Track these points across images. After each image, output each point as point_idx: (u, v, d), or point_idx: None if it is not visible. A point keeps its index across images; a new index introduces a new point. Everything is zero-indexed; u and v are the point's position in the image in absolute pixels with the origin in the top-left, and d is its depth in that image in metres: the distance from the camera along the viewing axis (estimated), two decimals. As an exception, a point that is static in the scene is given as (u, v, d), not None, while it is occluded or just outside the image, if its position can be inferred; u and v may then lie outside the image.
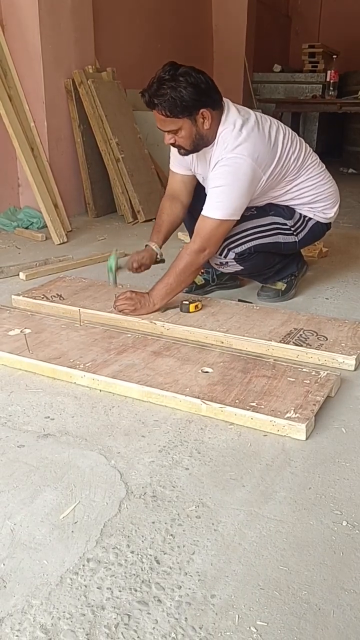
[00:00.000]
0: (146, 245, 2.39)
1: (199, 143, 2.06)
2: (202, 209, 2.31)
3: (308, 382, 1.66)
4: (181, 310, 2.17)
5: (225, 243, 2.19)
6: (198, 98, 1.94)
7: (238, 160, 2.00)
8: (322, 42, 7.35)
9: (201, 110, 1.97)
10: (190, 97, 1.92)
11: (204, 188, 2.35)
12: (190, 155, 2.19)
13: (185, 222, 2.46)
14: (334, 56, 7.00)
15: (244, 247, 2.20)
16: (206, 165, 2.14)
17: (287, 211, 2.29)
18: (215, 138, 2.05)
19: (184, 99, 1.92)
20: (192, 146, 2.06)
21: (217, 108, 2.03)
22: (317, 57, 7.03)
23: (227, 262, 2.25)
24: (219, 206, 2.02)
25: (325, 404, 1.60)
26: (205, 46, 6.46)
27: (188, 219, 2.45)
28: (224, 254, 2.22)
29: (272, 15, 7.70)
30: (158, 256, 2.38)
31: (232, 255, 2.21)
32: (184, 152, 2.10)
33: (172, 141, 2.06)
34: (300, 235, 2.32)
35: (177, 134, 2.02)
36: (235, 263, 2.25)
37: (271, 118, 2.19)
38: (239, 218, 2.08)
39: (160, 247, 2.39)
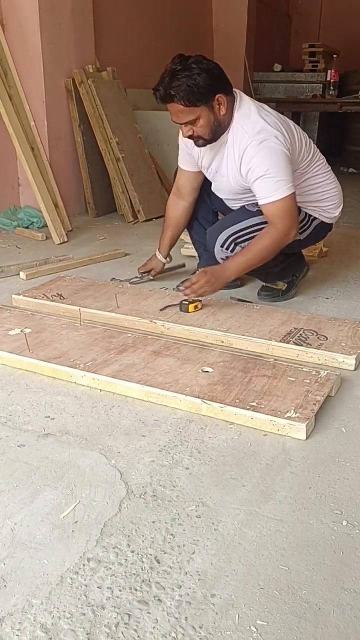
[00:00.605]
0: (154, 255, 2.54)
1: (217, 130, 2.06)
2: (208, 215, 2.34)
3: (308, 381, 1.66)
4: (181, 310, 2.17)
5: (233, 237, 2.21)
6: (213, 83, 1.95)
7: (269, 142, 2.00)
8: (322, 42, 7.34)
9: (217, 96, 1.98)
10: (206, 82, 1.93)
11: (208, 195, 2.36)
12: (198, 151, 2.20)
13: (192, 230, 2.47)
14: (334, 56, 6.99)
15: (250, 242, 2.21)
16: (219, 154, 2.14)
17: None
18: (229, 125, 2.07)
19: (200, 85, 1.92)
20: (210, 134, 2.06)
21: (230, 94, 2.05)
22: (318, 57, 7.02)
23: None
24: (279, 185, 2.01)
25: (325, 403, 1.60)
26: (205, 46, 6.45)
27: (191, 224, 2.46)
28: (230, 248, 2.23)
29: (272, 14, 7.69)
30: (168, 259, 2.53)
31: (238, 249, 2.22)
32: (202, 142, 2.09)
33: (190, 133, 2.05)
34: (305, 234, 2.33)
35: (195, 124, 2.01)
36: None
37: (280, 114, 2.23)
38: (294, 189, 2.05)
39: (167, 256, 2.54)
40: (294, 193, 2.04)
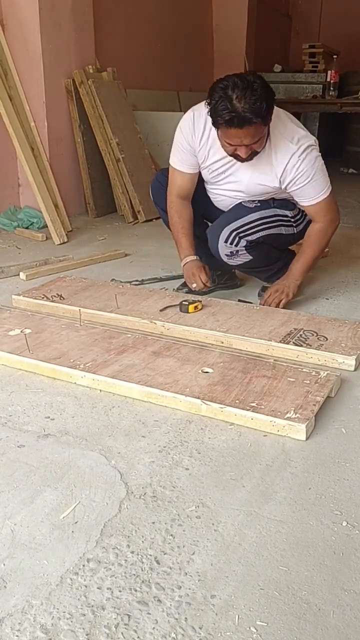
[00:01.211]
0: (186, 263, 2.39)
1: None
2: (198, 220, 2.37)
3: (308, 382, 1.66)
4: (181, 311, 2.17)
5: (237, 232, 2.22)
6: (271, 95, 1.94)
7: (310, 149, 2.10)
8: (322, 42, 7.33)
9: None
10: (269, 97, 1.91)
11: (195, 201, 2.35)
12: (204, 153, 2.19)
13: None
14: (335, 56, 6.99)
15: (254, 236, 2.23)
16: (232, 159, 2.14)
17: (289, 204, 2.31)
18: None
19: (269, 101, 1.91)
20: (263, 146, 2.05)
21: None
22: (318, 57, 7.02)
23: (237, 251, 2.27)
24: (322, 187, 2.16)
25: (325, 404, 1.60)
26: (205, 46, 6.46)
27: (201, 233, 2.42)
28: (235, 242, 2.23)
29: (272, 15, 7.69)
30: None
31: (243, 243, 2.23)
32: (253, 155, 2.04)
33: (249, 152, 2.01)
34: (299, 227, 2.36)
35: (259, 141, 1.99)
36: (245, 252, 2.27)
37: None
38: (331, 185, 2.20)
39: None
40: (331, 189, 2.20)
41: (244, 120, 1.88)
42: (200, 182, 2.35)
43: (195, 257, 2.38)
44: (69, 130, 3.96)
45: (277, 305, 2.27)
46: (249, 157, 2.04)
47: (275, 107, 2.04)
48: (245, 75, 1.92)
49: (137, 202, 3.98)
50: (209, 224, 2.41)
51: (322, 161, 2.15)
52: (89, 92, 3.87)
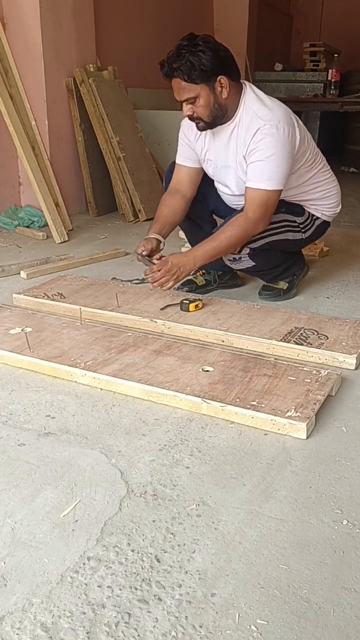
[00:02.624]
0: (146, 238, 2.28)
1: (218, 114, 2.04)
2: (203, 214, 2.28)
3: (309, 381, 1.66)
4: (181, 309, 2.17)
5: None
6: (216, 63, 1.94)
7: (280, 130, 1.98)
8: (323, 41, 7.33)
9: (219, 77, 1.96)
10: (209, 61, 1.92)
11: (202, 194, 2.34)
12: (201, 144, 2.18)
13: (184, 226, 2.44)
14: (336, 55, 6.98)
15: (257, 243, 2.20)
16: (226, 146, 2.13)
17: (298, 209, 2.29)
18: (234, 115, 2.06)
19: (203, 63, 1.91)
20: (210, 117, 2.04)
21: (235, 80, 2.03)
22: (319, 56, 7.01)
23: (240, 258, 2.25)
24: (273, 176, 2.00)
25: (325, 403, 1.60)
26: (206, 45, 6.44)
27: (188, 224, 2.42)
28: (238, 249, 2.21)
29: (273, 13, 7.68)
30: (162, 245, 2.28)
31: (246, 250, 2.21)
32: (203, 125, 2.08)
33: (190, 113, 2.04)
34: (308, 233, 2.34)
35: (195, 103, 2.00)
36: (248, 258, 2.25)
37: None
38: (282, 187, 2.05)
39: (164, 239, 2.30)
40: (280, 191, 2.05)
41: (170, 70, 1.94)
42: (209, 179, 2.34)
43: (152, 235, 2.23)
44: (69, 129, 3.97)
45: (164, 287, 2.12)
46: (199, 124, 2.07)
47: (258, 91, 2.07)
48: (202, 37, 1.94)
49: (138, 201, 3.98)
50: (218, 222, 2.40)
51: (289, 155, 2.00)
52: (89, 91, 3.87)
